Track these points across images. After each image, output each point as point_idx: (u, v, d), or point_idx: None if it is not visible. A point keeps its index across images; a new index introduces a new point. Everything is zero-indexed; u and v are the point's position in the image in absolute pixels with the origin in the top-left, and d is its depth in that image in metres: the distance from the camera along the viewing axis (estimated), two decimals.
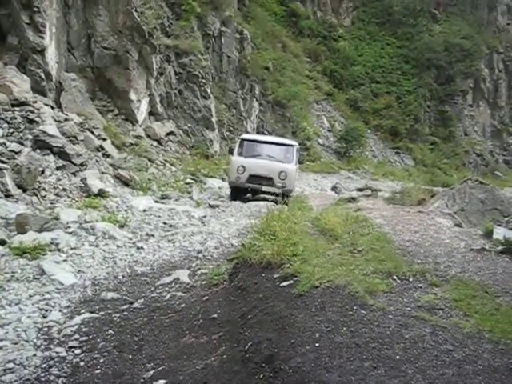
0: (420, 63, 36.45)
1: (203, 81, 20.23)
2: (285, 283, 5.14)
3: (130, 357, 4.85)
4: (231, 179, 14.82)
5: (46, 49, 14.35)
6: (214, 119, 20.36)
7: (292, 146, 15.48)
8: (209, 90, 20.59)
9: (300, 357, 3.76)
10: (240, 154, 14.96)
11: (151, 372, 4.46)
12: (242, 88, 24.52)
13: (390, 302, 4.56)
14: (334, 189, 17.56)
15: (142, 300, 6.25)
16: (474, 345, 3.87)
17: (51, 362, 4.83)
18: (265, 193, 14.32)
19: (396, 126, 33.31)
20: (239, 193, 14.95)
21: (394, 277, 5.15)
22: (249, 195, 15.21)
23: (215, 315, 5.39)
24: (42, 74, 14.19)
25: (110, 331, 5.42)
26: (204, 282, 6.70)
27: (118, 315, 5.82)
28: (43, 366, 4.77)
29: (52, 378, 4.57)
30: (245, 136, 16.87)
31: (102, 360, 4.84)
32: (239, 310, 5.14)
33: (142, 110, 17.92)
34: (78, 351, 5.03)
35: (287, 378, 3.62)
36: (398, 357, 3.71)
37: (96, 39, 16.92)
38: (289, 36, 32.51)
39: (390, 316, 4.28)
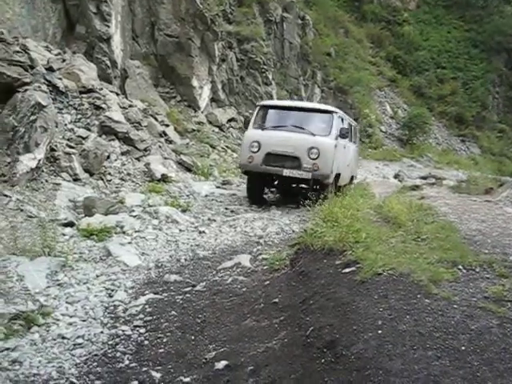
0: (489, 47, 35.05)
1: (265, 67, 20.18)
2: (347, 270, 5.10)
3: (193, 337, 4.96)
4: (242, 161, 10.96)
5: (111, 37, 14.70)
6: None
7: (330, 112, 11.16)
8: (270, 77, 20.53)
9: (362, 343, 3.74)
10: (256, 127, 11.12)
11: (213, 353, 4.55)
12: (304, 74, 24.34)
13: (455, 292, 4.45)
14: (396, 176, 17.18)
15: (204, 283, 6.35)
16: None
17: (117, 340, 5.00)
18: (286, 180, 10.69)
19: (462, 112, 32.24)
20: (258, 185, 11.23)
21: (460, 266, 5.02)
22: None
23: (276, 300, 5.41)
24: (108, 62, 14.55)
25: (173, 312, 5.55)
26: (265, 267, 6.74)
27: (180, 297, 5.95)
28: (110, 342, 4.95)
29: (118, 354, 4.73)
30: (264, 102, 12.78)
31: (165, 340, 4.97)
32: (300, 296, 5.15)
33: (204, 97, 18.08)
34: (142, 330, 5.19)
35: (349, 364, 3.61)
36: (463, 348, 3.62)
37: (159, 27, 17.17)
38: (351, 21, 31.94)
39: (455, 306, 4.18)
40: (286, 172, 10.17)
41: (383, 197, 8.68)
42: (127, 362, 4.61)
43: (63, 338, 4.99)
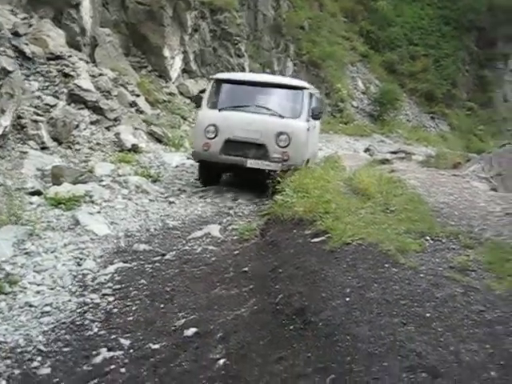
0: (461, 25, 35.15)
1: (237, 39, 19.94)
2: (316, 239, 5.16)
3: (162, 306, 4.96)
4: (195, 148, 9.33)
5: (80, 3, 14.24)
6: None
7: (301, 88, 9.42)
8: (243, 49, 20.31)
9: (330, 310, 3.80)
10: (212, 106, 9.36)
11: (182, 320, 4.56)
12: (277, 47, 24.15)
13: (421, 262, 4.54)
14: (367, 151, 17.30)
15: (174, 252, 6.34)
16: (506, 307, 3.84)
17: (86, 308, 4.98)
18: (250, 172, 8.90)
19: (432, 89, 32.42)
20: (212, 172, 9.73)
21: (427, 237, 5.12)
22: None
23: (246, 269, 5.45)
24: (77, 29, 14.15)
25: (142, 281, 5.53)
26: (235, 238, 6.77)
27: (150, 266, 5.93)
28: (78, 310, 4.93)
29: (87, 322, 4.72)
30: (220, 75, 10.47)
31: (134, 308, 4.96)
32: (270, 265, 5.19)
33: (175, 67, 17.79)
34: (111, 298, 5.17)
35: (317, 330, 3.66)
36: (428, 314, 3.71)
37: None
38: None
39: (421, 275, 4.27)
40: (251, 163, 8.65)
41: (353, 170, 8.74)
42: (96, 330, 4.60)
43: (30, 306, 4.95)
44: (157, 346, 4.18)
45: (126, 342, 4.33)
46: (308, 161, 9.55)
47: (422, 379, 3.07)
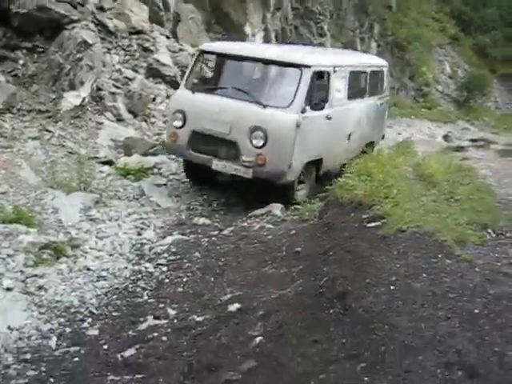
0: None
1: (320, 17, 19.63)
2: (372, 224, 5.03)
3: (212, 279, 5.05)
4: (166, 138, 7.69)
5: None
6: None
7: (299, 66, 6.90)
8: (325, 28, 19.98)
9: (373, 297, 3.71)
10: (190, 87, 7.52)
11: (229, 295, 4.63)
12: (361, 27, 23.50)
13: (479, 255, 4.33)
14: (445, 137, 16.66)
15: (232, 228, 6.41)
16: None
17: (139, 276, 5.17)
18: (218, 175, 7.56)
19: None
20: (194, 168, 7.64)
21: (489, 230, 4.87)
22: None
23: (299, 249, 5.42)
24: (161, 5, 14.38)
25: (197, 254, 5.65)
26: (295, 217, 6.73)
27: (206, 240, 6.04)
28: (132, 278, 5.13)
29: (138, 289, 4.90)
30: (206, 46, 8.23)
31: (185, 279, 5.09)
32: (322, 246, 5.13)
33: None
34: (164, 269, 5.33)
35: (356, 316, 3.60)
36: (476, 311, 3.55)
37: None
38: None
39: (476, 269, 4.07)
40: (216, 164, 6.87)
41: (425, 156, 8.42)
42: (146, 298, 4.76)
43: (88, 269, 5.19)
44: (200, 319, 4.27)
45: (172, 312, 4.45)
46: (320, 161, 7.52)
47: (457, 377, 2.95)
